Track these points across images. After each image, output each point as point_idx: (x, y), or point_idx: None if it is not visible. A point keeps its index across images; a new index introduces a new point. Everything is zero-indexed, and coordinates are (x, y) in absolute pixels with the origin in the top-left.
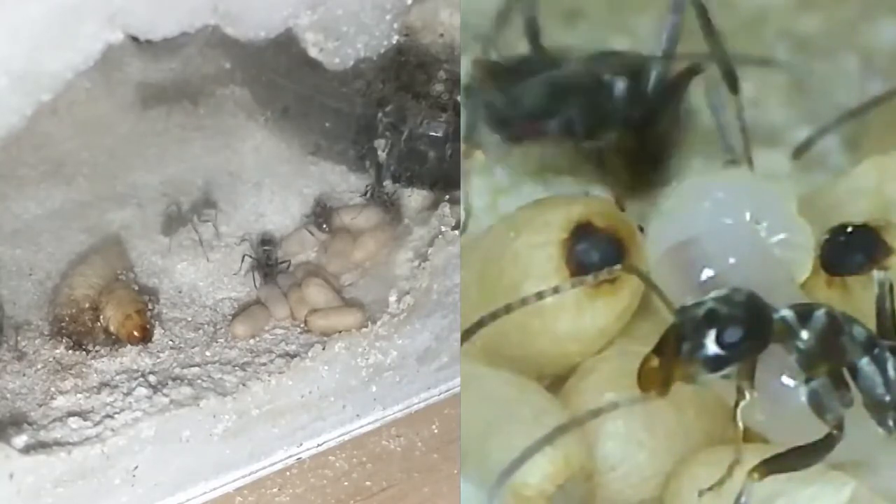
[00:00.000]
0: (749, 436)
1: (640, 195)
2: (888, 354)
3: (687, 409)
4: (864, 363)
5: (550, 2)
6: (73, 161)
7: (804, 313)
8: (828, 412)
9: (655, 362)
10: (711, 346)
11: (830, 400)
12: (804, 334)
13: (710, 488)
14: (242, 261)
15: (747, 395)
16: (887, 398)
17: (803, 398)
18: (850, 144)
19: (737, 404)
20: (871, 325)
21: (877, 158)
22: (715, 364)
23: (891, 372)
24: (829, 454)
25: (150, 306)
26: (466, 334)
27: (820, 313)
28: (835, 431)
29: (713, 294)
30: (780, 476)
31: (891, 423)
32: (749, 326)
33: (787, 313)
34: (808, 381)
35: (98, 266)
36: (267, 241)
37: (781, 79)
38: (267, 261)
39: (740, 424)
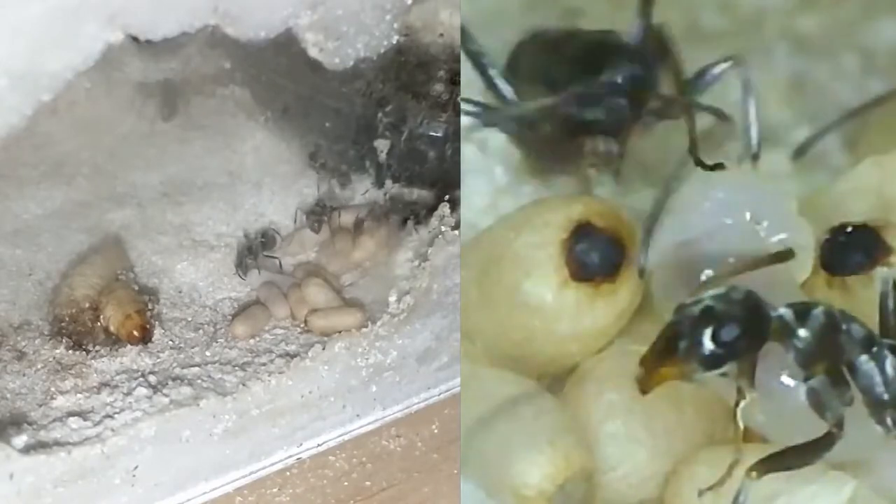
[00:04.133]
0: (749, 436)
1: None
2: (887, 353)
3: (687, 409)
4: (863, 361)
5: (551, 1)
6: (73, 161)
7: (802, 312)
8: (827, 410)
9: (654, 363)
10: (708, 344)
11: (830, 398)
12: (802, 332)
13: (710, 488)
14: (238, 257)
15: (747, 396)
16: (885, 396)
17: (802, 397)
18: (850, 144)
19: (737, 404)
20: (872, 324)
21: (877, 158)
22: (712, 362)
23: (889, 370)
24: (828, 453)
25: (150, 306)
26: None
27: (818, 311)
28: (834, 430)
29: (711, 292)
30: (780, 475)
31: (889, 421)
32: (746, 324)
33: (784, 311)
34: (806, 379)
35: (98, 266)
36: (265, 234)
37: (782, 79)
38: (261, 246)
39: (740, 424)
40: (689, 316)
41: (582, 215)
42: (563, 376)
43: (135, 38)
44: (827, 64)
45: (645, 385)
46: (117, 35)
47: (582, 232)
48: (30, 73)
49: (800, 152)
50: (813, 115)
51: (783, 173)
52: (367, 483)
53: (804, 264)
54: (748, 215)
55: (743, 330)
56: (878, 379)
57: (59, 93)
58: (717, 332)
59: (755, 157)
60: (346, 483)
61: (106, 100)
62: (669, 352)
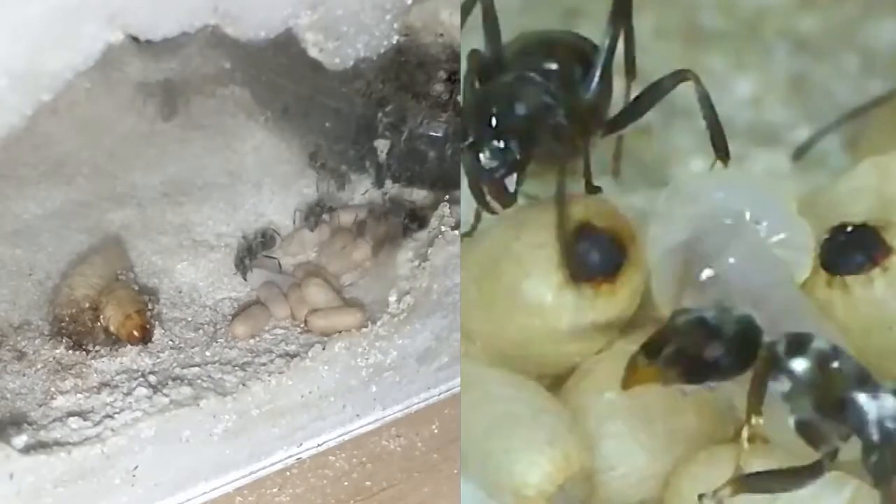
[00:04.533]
0: (751, 436)
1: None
2: (881, 392)
3: (687, 409)
4: (855, 399)
5: (550, 1)
6: (73, 161)
7: (795, 344)
8: (822, 443)
9: (643, 361)
10: (692, 356)
11: (824, 432)
12: (791, 365)
13: (709, 496)
14: (238, 258)
15: (753, 420)
16: (875, 438)
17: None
18: (850, 144)
19: (743, 426)
20: (872, 322)
21: (877, 158)
22: (692, 375)
23: (882, 410)
24: (816, 481)
25: (150, 306)
26: None
27: (812, 346)
28: (825, 461)
29: (713, 303)
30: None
31: (872, 464)
32: (733, 345)
33: (777, 341)
34: (793, 411)
35: (98, 266)
36: (265, 234)
37: (781, 79)
38: (261, 246)
39: (745, 445)
40: (681, 323)
41: (582, 216)
42: (563, 376)
43: (135, 38)
44: (827, 64)
45: (625, 382)
46: (117, 35)
47: (582, 232)
48: (30, 73)
49: (800, 152)
50: (813, 115)
51: (783, 173)
52: (367, 483)
53: (804, 264)
54: (748, 215)
55: (728, 350)
56: (869, 418)
57: (59, 93)
58: (702, 347)
59: (724, 161)
60: (346, 483)
61: (106, 100)
62: (654, 355)
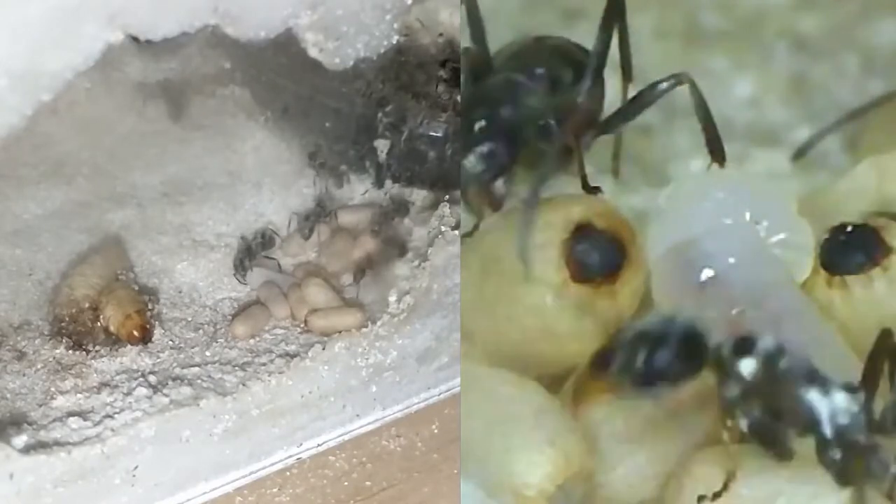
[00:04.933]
0: (747, 435)
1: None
2: (832, 388)
3: (687, 409)
4: (806, 397)
5: (550, 1)
6: (73, 161)
7: (742, 346)
8: (776, 444)
9: (592, 377)
10: (640, 366)
11: (776, 432)
12: (739, 366)
13: (706, 498)
14: (237, 259)
15: (729, 422)
16: (829, 434)
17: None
18: (850, 144)
19: (725, 428)
20: (872, 323)
21: (877, 158)
22: (642, 384)
23: (833, 407)
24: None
25: (150, 306)
26: None
27: (759, 346)
28: (781, 461)
29: (652, 317)
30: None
31: (832, 460)
32: (680, 351)
33: (723, 343)
34: (745, 413)
35: (98, 266)
36: (264, 235)
37: (781, 79)
38: (260, 246)
39: (730, 447)
40: (626, 336)
41: (582, 216)
42: (563, 376)
43: (135, 38)
44: (827, 64)
45: (576, 398)
46: (117, 35)
47: (582, 232)
48: (30, 73)
49: (800, 153)
50: (813, 115)
51: (783, 173)
52: (367, 483)
53: (804, 264)
54: (748, 215)
55: (676, 356)
56: (822, 416)
57: (59, 93)
58: (650, 356)
59: (721, 165)
60: (346, 483)
61: (106, 100)
62: (603, 369)
